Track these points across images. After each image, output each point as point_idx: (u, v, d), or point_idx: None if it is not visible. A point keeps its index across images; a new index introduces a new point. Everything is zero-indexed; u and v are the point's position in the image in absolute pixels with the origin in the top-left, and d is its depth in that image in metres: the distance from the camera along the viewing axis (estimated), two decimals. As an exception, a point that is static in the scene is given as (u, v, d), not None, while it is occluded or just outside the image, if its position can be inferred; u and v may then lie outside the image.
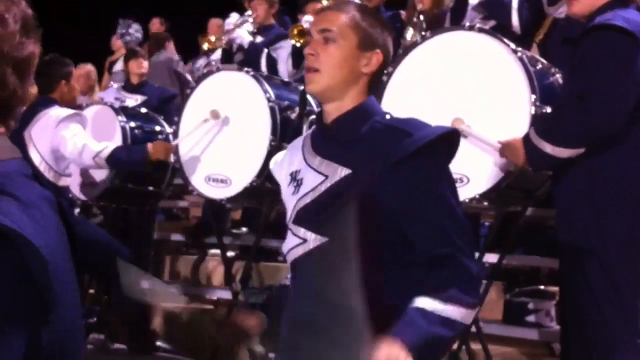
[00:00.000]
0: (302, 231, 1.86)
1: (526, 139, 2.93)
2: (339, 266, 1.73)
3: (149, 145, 4.33)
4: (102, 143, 4.37)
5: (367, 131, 1.86)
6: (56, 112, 4.40)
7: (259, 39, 6.12)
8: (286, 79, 5.10)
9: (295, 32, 5.48)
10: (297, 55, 5.67)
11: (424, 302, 1.72)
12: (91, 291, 5.50)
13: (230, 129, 4.22)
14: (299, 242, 1.86)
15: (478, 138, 3.13)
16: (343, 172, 1.83)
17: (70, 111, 4.45)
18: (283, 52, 5.91)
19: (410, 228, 1.78)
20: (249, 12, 6.26)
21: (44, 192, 1.05)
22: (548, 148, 2.84)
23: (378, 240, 1.77)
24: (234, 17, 6.54)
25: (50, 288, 0.96)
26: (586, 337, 2.84)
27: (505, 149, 3.02)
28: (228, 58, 6.32)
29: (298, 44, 5.44)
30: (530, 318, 3.86)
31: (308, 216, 1.86)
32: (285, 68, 5.85)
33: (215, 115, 4.20)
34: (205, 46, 6.76)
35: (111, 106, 5.10)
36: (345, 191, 1.80)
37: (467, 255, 1.78)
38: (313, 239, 1.83)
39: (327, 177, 1.85)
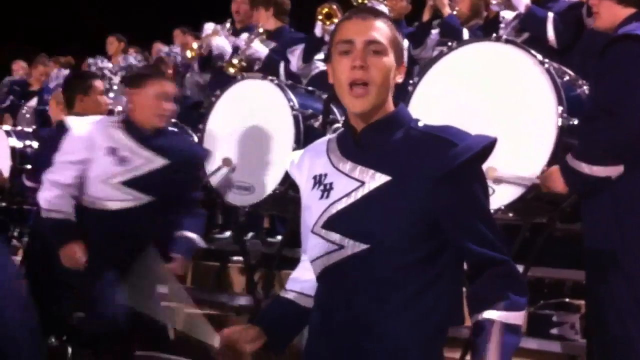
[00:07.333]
0: (337, 237, 1.81)
1: (563, 163, 2.92)
2: (379, 273, 1.73)
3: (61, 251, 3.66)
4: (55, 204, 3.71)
5: (402, 138, 1.83)
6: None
7: (271, 44, 6.15)
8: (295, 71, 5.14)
9: (324, 11, 5.47)
10: (311, 49, 5.69)
11: (492, 314, 1.71)
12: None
13: (254, 137, 4.23)
14: (334, 248, 1.81)
15: (514, 181, 3.11)
16: (382, 178, 1.79)
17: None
18: (297, 52, 5.95)
19: (455, 234, 1.78)
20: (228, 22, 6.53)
21: None
22: (585, 168, 2.82)
23: (420, 247, 1.77)
24: (209, 26, 6.66)
25: None
26: (609, 350, 2.83)
27: (544, 180, 3.01)
28: (205, 65, 6.59)
29: (327, 24, 5.45)
30: (555, 331, 3.82)
31: (344, 222, 1.81)
32: (295, 64, 5.89)
33: (227, 162, 4.27)
34: (189, 54, 6.75)
35: None
36: (386, 198, 1.78)
37: (509, 257, 1.79)
38: (351, 245, 1.79)
39: (362, 183, 1.81)
